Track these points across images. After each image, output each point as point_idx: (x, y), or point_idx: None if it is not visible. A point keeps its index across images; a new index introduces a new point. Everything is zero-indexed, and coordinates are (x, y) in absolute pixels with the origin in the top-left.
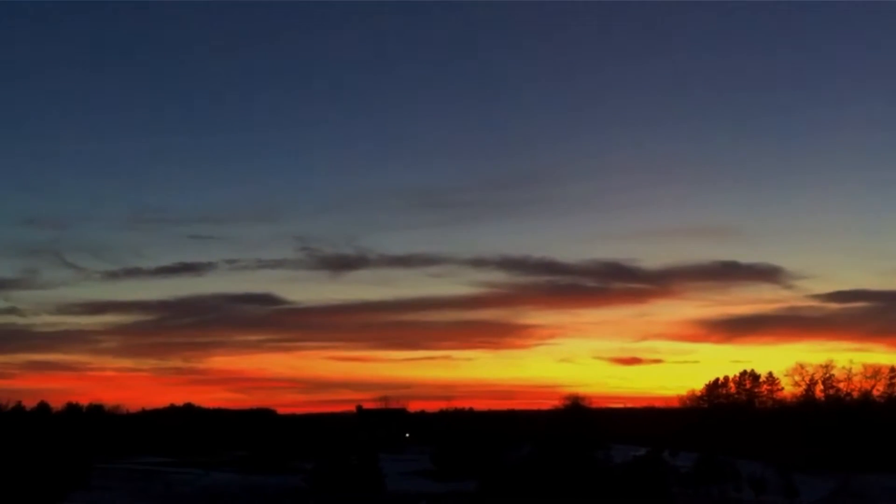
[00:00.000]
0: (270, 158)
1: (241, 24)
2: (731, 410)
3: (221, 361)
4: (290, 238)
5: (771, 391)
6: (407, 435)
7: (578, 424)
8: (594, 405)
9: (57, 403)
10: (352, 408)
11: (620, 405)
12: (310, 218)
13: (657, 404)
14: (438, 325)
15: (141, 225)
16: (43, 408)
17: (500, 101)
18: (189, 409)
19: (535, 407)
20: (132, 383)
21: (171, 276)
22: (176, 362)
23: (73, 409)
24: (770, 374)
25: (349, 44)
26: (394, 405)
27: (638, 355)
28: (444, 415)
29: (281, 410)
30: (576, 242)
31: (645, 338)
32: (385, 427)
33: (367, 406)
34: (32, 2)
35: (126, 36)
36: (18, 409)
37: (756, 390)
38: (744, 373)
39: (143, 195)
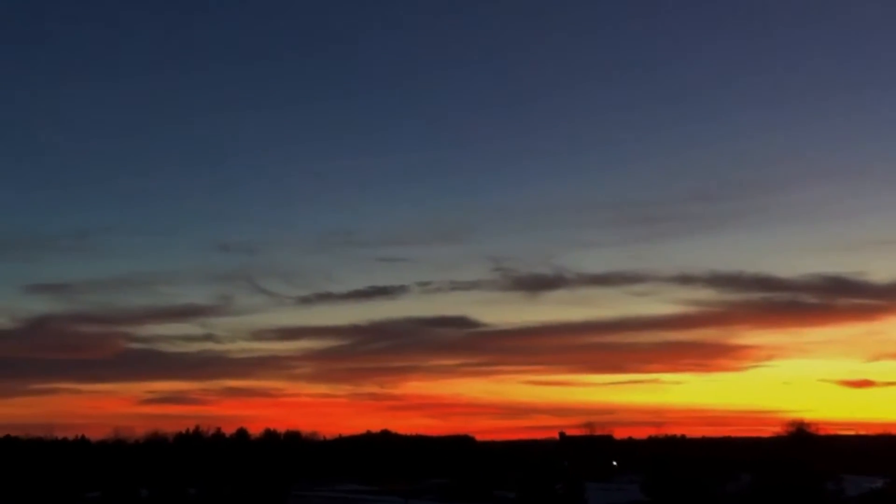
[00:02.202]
0: (461, 176)
1: (432, 44)
2: None
3: (417, 386)
4: (483, 258)
5: None
6: (614, 463)
7: (804, 453)
8: (821, 432)
9: (255, 430)
10: (554, 434)
11: (851, 432)
12: (504, 237)
13: (894, 431)
14: (644, 346)
15: (331, 248)
16: (242, 434)
17: (705, 105)
18: (386, 436)
19: (753, 434)
20: (328, 409)
21: (362, 300)
22: (371, 388)
23: (270, 436)
24: None
25: (538, 57)
26: (599, 432)
27: (870, 377)
28: (653, 442)
29: (479, 437)
30: (794, 255)
31: (877, 358)
32: (590, 455)
33: (570, 433)
34: (246, 40)
35: (320, 63)
36: (218, 435)
37: None
38: None
39: (333, 218)
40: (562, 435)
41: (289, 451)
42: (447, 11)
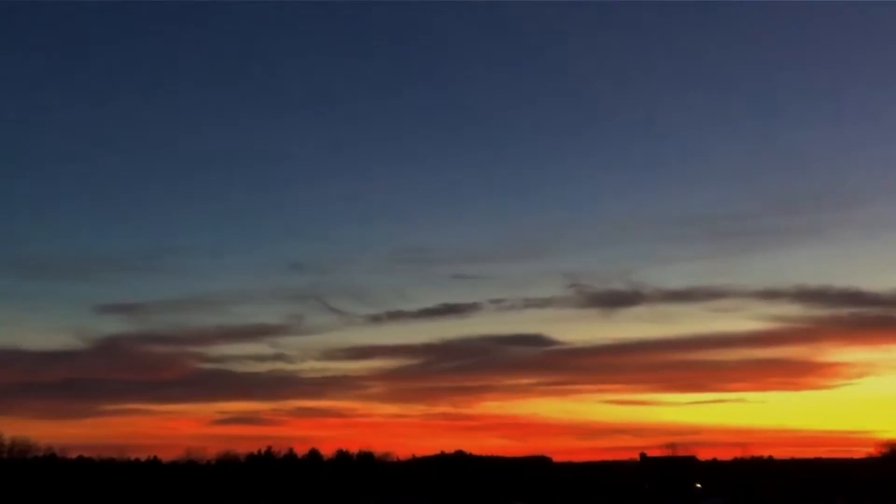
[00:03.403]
0: (535, 191)
1: (506, 61)
2: None
3: (491, 406)
4: (558, 275)
5: None
6: (698, 486)
7: None
8: None
9: (327, 450)
10: (634, 455)
11: None
12: (578, 252)
13: None
14: (727, 364)
15: (402, 266)
16: (314, 455)
17: (790, 117)
18: (460, 457)
19: (843, 455)
20: (400, 430)
21: (435, 319)
22: (444, 407)
23: (343, 457)
24: None
25: (614, 71)
26: (681, 453)
27: None
28: (738, 464)
29: (557, 458)
30: (884, 268)
31: None
32: (672, 477)
33: (651, 454)
34: (316, 61)
35: (391, 80)
36: (290, 456)
37: None
38: None
39: (404, 236)
40: (643, 456)
41: (362, 472)
42: (516, 29)
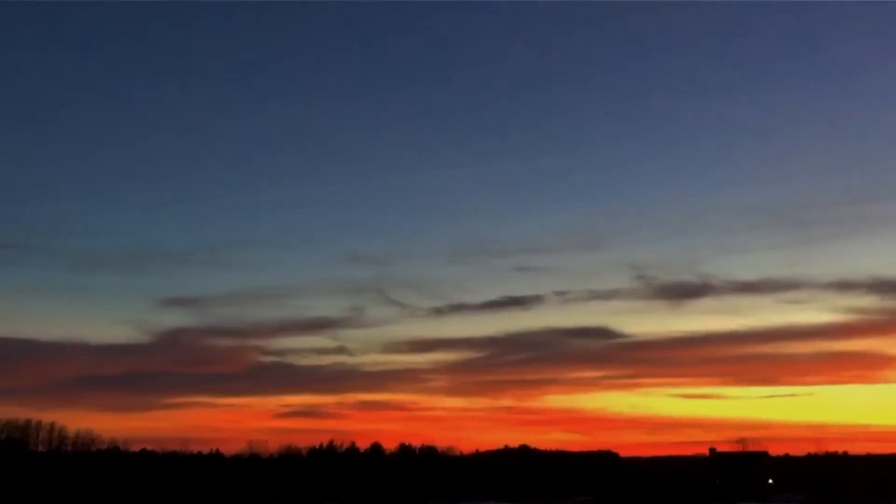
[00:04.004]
0: (599, 180)
1: (570, 51)
2: None
3: (556, 400)
4: (623, 266)
5: None
6: (770, 482)
7: None
8: None
9: (389, 444)
10: (703, 450)
11: None
12: (645, 243)
13: None
14: (799, 357)
15: (464, 258)
16: (376, 449)
17: (865, 101)
18: (525, 451)
19: None
20: (464, 423)
21: (498, 311)
22: (508, 401)
23: (406, 451)
24: None
25: (686, 58)
26: (752, 448)
27: None
28: (812, 460)
29: (623, 453)
30: None
31: None
32: (743, 472)
33: (721, 448)
34: (380, 55)
35: (454, 71)
36: (352, 450)
37: None
38: None
39: (466, 227)
40: (712, 451)
41: (425, 466)
42: (582, 21)
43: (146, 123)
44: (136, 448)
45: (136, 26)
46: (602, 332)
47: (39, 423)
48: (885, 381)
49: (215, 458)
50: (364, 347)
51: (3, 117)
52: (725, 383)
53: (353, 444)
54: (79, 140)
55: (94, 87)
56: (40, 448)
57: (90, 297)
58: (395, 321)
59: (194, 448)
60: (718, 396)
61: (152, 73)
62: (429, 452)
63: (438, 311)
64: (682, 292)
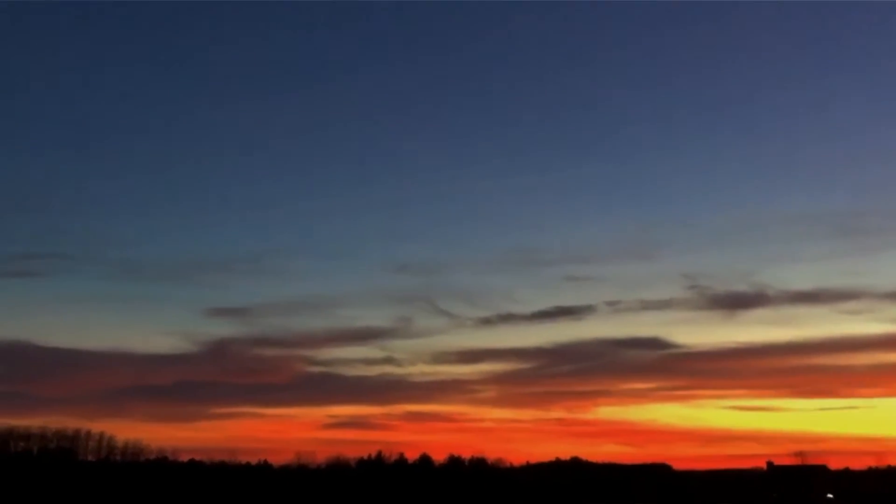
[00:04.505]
0: (651, 188)
1: (618, 60)
2: None
3: (608, 412)
4: (676, 276)
5: None
6: (830, 496)
7: None
8: None
9: (438, 455)
10: (760, 463)
11: None
12: (697, 253)
13: None
14: (858, 369)
15: (514, 267)
16: (425, 460)
17: None
18: (576, 463)
19: None
20: (513, 435)
21: (547, 321)
22: (559, 412)
23: (455, 462)
24: None
25: (741, 63)
26: (811, 461)
27: None
28: (873, 474)
29: (677, 465)
30: None
31: None
32: (801, 486)
33: (778, 462)
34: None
35: (488, 79)
36: (401, 461)
37: None
38: None
39: (515, 236)
40: (769, 464)
41: (475, 478)
42: (635, 32)
43: (194, 137)
44: (184, 458)
45: (192, 48)
46: (654, 343)
47: (89, 432)
48: None
49: (263, 468)
50: (412, 358)
51: (56, 133)
52: (782, 395)
53: (401, 455)
54: (128, 154)
55: (146, 105)
56: (89, 457)
57: (138, 307)
58: (443, 331)
59: (242, 458)
60: (775, 409)
61: (202, 90)
62: (478, 464)
63: (487, 322)
64: (736, 302)
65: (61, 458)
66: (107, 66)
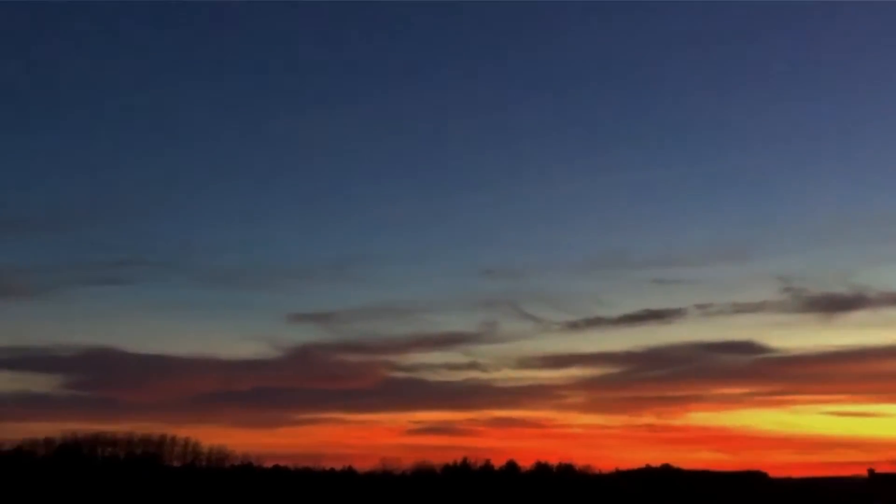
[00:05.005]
0: (744, 188)
1: (707, 58)
2: None
3: (700, 417)
4: (769, 278)
5: None
6: None
7: None
8: None
9: (525, 462)
10: (861, 471)
11: None
12: (792, 254)
13: None
14: None
15: (600, 271)
16: (512, 467)
17: None
18: (667, 471)
19: None
20: (602, 441)
21: (636, 325)
22: (648, 418)
23: (542, 469)
24: None
25: (825, 66)
26: None
27: None
28: None
29: (773, 473)
30: None
31: None
32: None
33: (880, 469)
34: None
35: (575, 79)
36: (487, 467)
37: None
38: None
39: (602, 238)
40: (871, 472)
41: (562, 484)
42: (723, 31)
43: (279, 144)
44: (268, 464)
45: (279, 55)
46: (748, 347)
47: (174, 438)
48: None
49: (348, 474)
50: (497, 363)
51: (135, 139)
52: (883, 400)
53: (487, 461)
54: (208, 159)
55: (224, 112)
56: (175, 463)
57: (220, 312)
58: (528, 336)
59: (326, 464)
60: (876, 414)
61: (281, 96)
62: (566, 470)
63: (574, 326)
64: (833, 305)
65: (147, 463)
66: (200, 73)
